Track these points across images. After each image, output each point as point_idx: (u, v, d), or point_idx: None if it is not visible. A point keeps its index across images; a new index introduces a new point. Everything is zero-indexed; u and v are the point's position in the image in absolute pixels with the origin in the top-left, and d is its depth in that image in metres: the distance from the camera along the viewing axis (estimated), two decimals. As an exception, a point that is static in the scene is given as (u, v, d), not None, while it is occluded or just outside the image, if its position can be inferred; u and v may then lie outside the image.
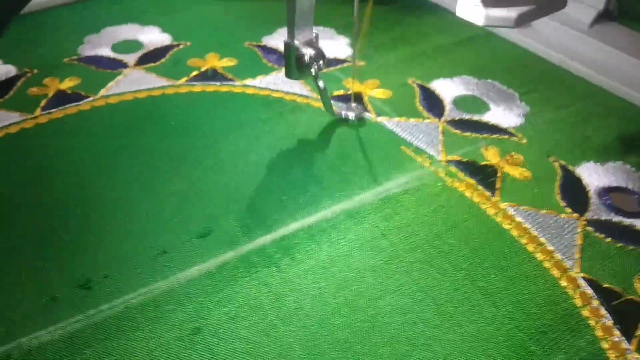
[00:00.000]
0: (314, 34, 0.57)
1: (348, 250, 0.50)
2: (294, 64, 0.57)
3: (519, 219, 0.53)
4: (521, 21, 0.43)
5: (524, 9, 0.43)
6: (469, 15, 0.44)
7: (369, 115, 0.64)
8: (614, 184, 0.57)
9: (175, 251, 0.49)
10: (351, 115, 0.63)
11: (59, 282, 0.47)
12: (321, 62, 0.58)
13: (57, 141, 0.60)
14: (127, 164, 0.57)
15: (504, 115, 0.65)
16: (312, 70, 0.57)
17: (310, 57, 0.57)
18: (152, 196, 0.54)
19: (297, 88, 0.68)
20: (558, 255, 0.50)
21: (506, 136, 0.63)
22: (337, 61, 0.74)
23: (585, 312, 0.46)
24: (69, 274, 0.47)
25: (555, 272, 0.49)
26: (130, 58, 0.73)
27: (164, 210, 0.53)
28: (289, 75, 0.59)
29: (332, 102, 0.64)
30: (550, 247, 0.51)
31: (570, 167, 0.59)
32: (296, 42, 0.56)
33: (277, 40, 0.78)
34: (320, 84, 0.59)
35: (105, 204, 0.53)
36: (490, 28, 0.80)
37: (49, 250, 0.49)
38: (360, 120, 0.63)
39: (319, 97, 0.63)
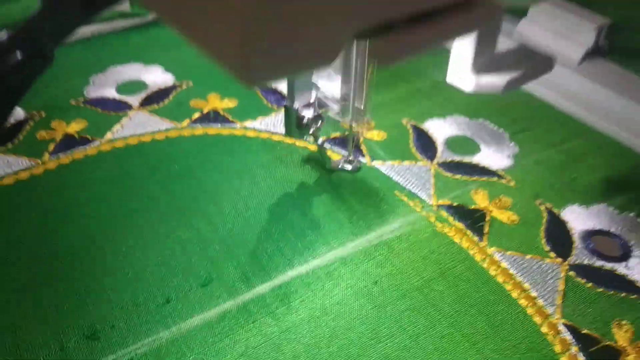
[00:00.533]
0: (313, 96, 0.61)
1: (341, 298, 0.53)
2: (294, 125, 0.61)
3: (505, 264, 0.56)
4: (509, 87, 0.46)
5: (512, 75, 0.46)
6: (458, 82, 0.47)
7: (364, 160, 0.67)
8: (598, 228, 0.61)
9: (178, 300, 0.53)
10: (348, 167, 0.66)
11: (67, 331, 0.50)
12: (319, 123, 0.61)
13: (64, 188, 0.64)
14: (132, 212, 0.61)
15: (494, 156, 0.69)
16: (311, 130, 0.61)
17: (309, 119, 0.61)
18: (157, 244, 0.58)
19: (295, 130, 0.71)
20: (540, 302, 0.54)
21: (495, 178, 0.66)
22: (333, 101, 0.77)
23: (564, 359, 0.49)
24: (77, 323, 0.51)
25: (537, 319, 0.52)
26: (135, 99, 0.77)
27: (169, 259, 0.56)
28: (288, 134, 0.63)
29: (328, 148, 0.69)
30: (534, 293, 0.54)
31: (555, 210, 0.62)
32: (295, 105, 0.60)
33: (276, 79, 0.81)
34: (319, 141, 0.63)
35: (112, 252, 0.57)
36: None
37: (58, 299, 0.53)
38: (358, 171, 0.66)
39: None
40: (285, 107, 0.61)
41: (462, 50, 0.45)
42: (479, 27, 0.41)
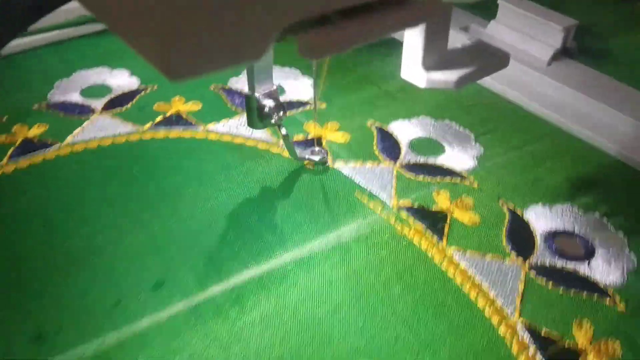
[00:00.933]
0: (274, 86, 0.60)
1: (295, 299, 0.52)
2: (255, 114, 0.60)
3: (463, 265, 0.55)
4: (462, 83, 0.45)
5: (464, 71, 0.45)
6: (411, 78, 0.46)
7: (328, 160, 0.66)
8: (561, 228, 0.60)
9: (129, 302, 0.52)
10: (315, 158, 0.65)
11: (13, 335, 0.49)
12: (281, 112, 0.60)
13: (19, 193, 0.62)
14: (87, 216, 0.61)
15: (458, 157, 0.68)
16: (273, 120, 0.60)
17: (270, 108, 0.60)
18: (110, 248, 0.56)
19: (258, 133, 0.71)
20: (499, 302, 0.52)
21: (458, 179, 0.65)
22: (299, 103, 0.77)
23: (520, 360, 0.48)
24: (24, 327, 0.50)
25: (495, 320, 0.51)
26: (98, 103, 0.76)
27: (121, 262, 0.55)
28: (251, 125, 0.62)
29: (295, 146, 0.67)
30: (493, 294, 0.53)
31: (518, 211, 0.61)
32: (257, 94, 0.59)
33: (243, 82, 0.81)
34: (283, 131, 0.62)
35: (64, 256, 0.56)
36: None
37: (6, 304, 0.52)
38: (324, 164, 0.65)
39: (282, 143, 0.67)
40: (246, 96, 0.60)
41: (413, 46, 0.45)
42: (418, 23, 0.40)
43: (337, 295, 0.53)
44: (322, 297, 0.53)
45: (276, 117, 0.60)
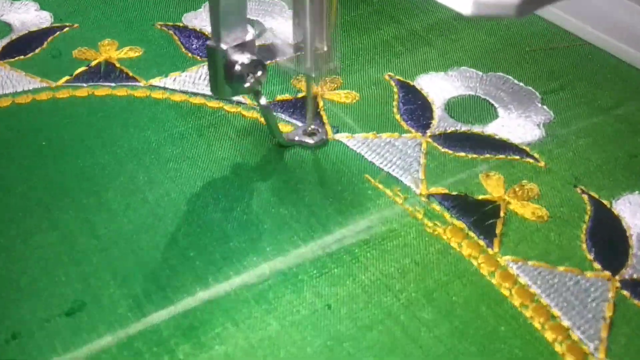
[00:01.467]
0: (249, 34, 0.57)
1: (277, 330, 0.51)
2: (222, 76, 0.58)
3: (524, 280, 0.54)
4: (527, 9, 0.44)
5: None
6: (453, 1, 0.44)
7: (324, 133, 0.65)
8: (669, 227, 0.58)
9: (30, 335, 0.50)
10: (309, 140, 0.63)
11: None
12: (259, 72, 0.58)
13: None
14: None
15: (516, 125, 0.66)
16: (247, 84, 0.57)
17: (244, 66, 0.57)
18: (4, 255, 0.55)
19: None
20: (576, 335, 0.51)
21: (517, 157, 0.63)
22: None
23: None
24: None
25: None
26: (-8, 49, 0.74)
27: (20, 275, 0.54)
28: (215, 91, 0.59)
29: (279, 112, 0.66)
30: (567, 323, 0.51)
31: (605, 202, 0.59)
32: (224, 46, 0.56)
33: (202, 19, 0.79)
34: (262, 101, 0.60)
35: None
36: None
37: None
38: (322, 145, 0.63)
39: (262, 117, 0.65)
40: (208, 48, 0.57)
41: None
42: None
43: (339, 324, 0.51)
44: (316, 327, 0.51)
45: (252, 80, 0.58)
